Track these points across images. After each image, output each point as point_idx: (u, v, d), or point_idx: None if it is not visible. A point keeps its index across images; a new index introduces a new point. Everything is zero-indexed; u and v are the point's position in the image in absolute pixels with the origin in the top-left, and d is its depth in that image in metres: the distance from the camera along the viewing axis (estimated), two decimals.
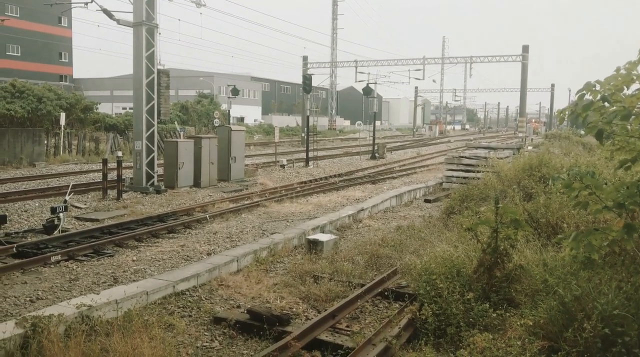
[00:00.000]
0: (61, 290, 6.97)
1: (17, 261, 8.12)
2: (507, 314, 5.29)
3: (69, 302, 5.90)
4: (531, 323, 4.66)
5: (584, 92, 4.30)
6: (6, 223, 10.32)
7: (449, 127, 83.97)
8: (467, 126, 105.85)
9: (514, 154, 18.09)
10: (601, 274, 4.81)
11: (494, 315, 5.27)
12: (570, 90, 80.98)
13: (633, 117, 4.16)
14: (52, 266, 8.10)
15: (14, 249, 8.68)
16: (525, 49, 40.38)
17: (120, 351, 4.79)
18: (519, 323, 4.80)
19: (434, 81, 60.72)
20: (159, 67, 16.03)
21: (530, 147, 24.62)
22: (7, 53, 57.85)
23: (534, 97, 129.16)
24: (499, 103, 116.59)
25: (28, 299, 6.60)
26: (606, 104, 4.16)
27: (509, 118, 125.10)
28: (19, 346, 4.91)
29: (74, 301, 5.87)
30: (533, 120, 62.66)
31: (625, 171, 4.76)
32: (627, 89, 4.18)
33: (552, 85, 76.00)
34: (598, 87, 4.25)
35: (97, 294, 6.26)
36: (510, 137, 57.78)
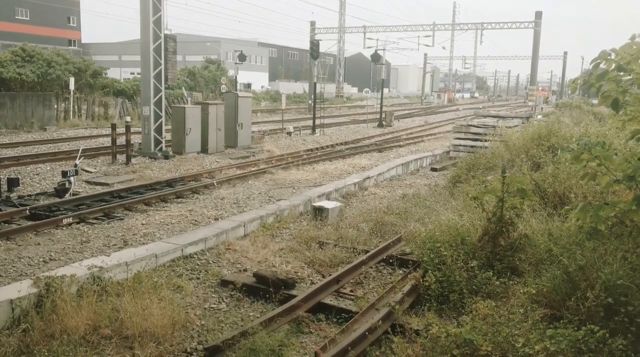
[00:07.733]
0: (73, 251, 7.13)
1: (30, 223, 8.30)
2: (511, 282, 5.34)
3: (80, 263, 6.05)
4: (534, 291, 4.68)
5: (599, 61, 4.20)
6: (19, 186, 10.47)
7: (457, 96, 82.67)
8: (477, 94, 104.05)
9: (523, 123, 17.86)
10: (607, 244, 4.79)
11: (497, 283, 5.31)
12: (583, 58, 79.07)
13: None
14: (64, 228, 8.26)
15: (27, 211, 8.86)
16: (538, 15, 39.12)
17: (131, 311, 4.93)
18: (522, 291, 4.83)
19: (443, 48, 59.45)
20: (166, 32, 15.80)
21: (540, 116, 24.27)
22: (16, 17, 57.18)
23: (546, 66, 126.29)
24: (509, 71, 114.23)
25: (41, 259, 6.77)
26: (621, 73, 4.07)
27: (519, 86, 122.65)
28: (34, 304, 5.07)
29: (86, 262, 6.02)
30: (541, 88, 61.30)
31: (637, 142, 4.67)
32: None
33: (565, 53, 74.16)
34: (613, 56, 4.14)
35: (108, 256, 6.39)
36: (520, 106, 56.90)
